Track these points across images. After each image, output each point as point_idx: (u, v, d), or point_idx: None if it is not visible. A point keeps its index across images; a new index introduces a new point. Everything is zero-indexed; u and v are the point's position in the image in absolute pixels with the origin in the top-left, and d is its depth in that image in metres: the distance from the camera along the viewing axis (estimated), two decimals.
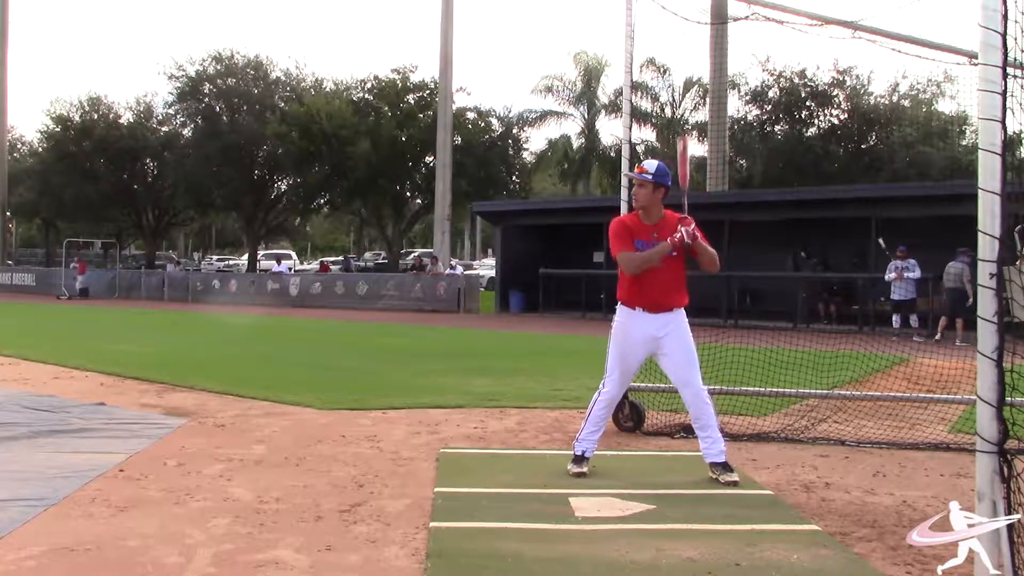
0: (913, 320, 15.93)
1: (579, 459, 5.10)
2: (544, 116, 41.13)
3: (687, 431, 6.33)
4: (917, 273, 15.85)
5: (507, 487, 4.85)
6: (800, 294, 19.21)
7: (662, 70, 37.15)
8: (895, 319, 16.11)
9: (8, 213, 46.21)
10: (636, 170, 5.08)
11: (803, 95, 30.40)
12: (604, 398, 5.14)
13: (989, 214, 2.90)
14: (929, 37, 6.40)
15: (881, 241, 16.29)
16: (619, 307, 5.10)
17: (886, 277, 16.08)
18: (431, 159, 34.55)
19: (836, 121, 30.94)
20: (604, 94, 40.72)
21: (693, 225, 4.87)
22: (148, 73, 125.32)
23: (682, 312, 5.03)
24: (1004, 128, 2.89)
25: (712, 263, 4.97)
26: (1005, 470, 2.91)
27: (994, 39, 2.89)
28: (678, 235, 4.83)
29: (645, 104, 36.97)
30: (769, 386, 7.10)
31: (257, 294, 28.46)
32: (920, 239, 17.35)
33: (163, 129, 42.99)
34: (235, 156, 38.21)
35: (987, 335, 2.92)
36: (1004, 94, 2.89)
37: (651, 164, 5.04)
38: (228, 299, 28.10)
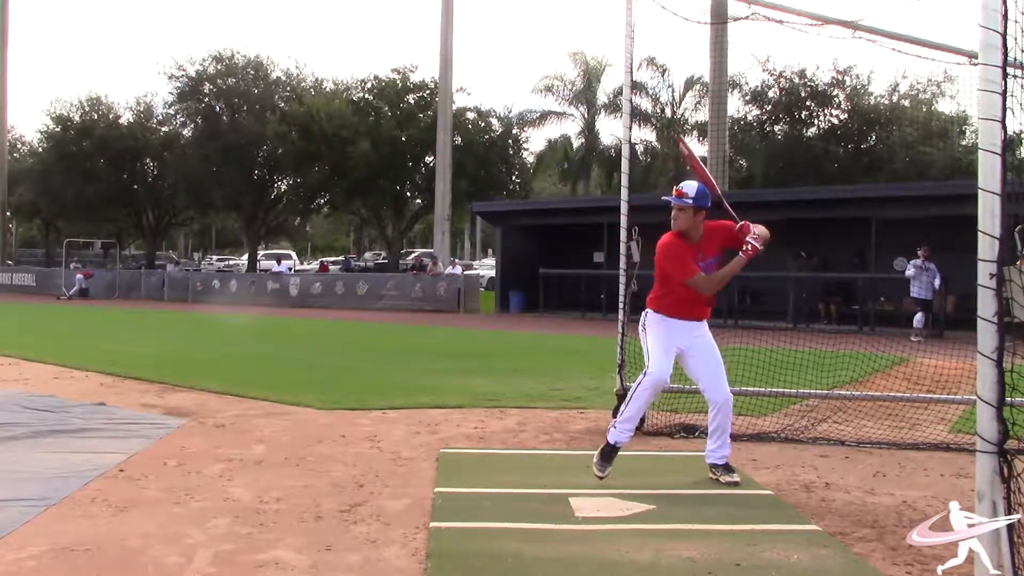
0: (919, 320, 15.71)
1: (608, 453, 4.87)
2: (544, 116, 41.14)
3: (687, 431, 6.36)
4: (937, 278, 15.65)
5: (507, 487, 4.84)
6: (800, 294, 19.21)
7: (662, 70, 37.13)
8: (919, 317, 15.76)
9: (8, 213, 46.22)
10: (675, 193, 4.81)
11: (803, 95, 30.43)
12: (648, 380, 4.85)
13: (989, 214, 2.90)
14: (929, 37, 6.39)
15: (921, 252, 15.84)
16: (650, 312, 5.01)
17: (906, 273, 15.81)
18: (431, 159, 34.54)
19: (836, 121, 30.96)
20: (604, 94, 40.76)
21: (751, 230, 4.71)
22: (148, 73, 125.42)
23: (706, 323, 5.04)
24: (1004, 128, 2.89)
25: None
26: (1005, 470, 2.91)
27: (994, 39, 2.88)
28: (749, 247, 4.69)
29: (645, 104, 36.97)
30: (769, 386, 7.09)
31: (257, 294, 28.44)
32: (919, 239, 17.33)
33: (163, 129, 42.98)
34: (235, 156, 38.20)
35: (987, 335, 2.92)
36: (1004, 94, 2.89)
37: (690, 187, 4.80)
38: (228, 299, 28.08)
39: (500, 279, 24.87)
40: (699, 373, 5.00)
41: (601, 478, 4.87)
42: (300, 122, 34.84)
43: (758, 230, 4.73)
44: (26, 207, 47.16)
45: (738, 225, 4.83)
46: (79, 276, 32.04)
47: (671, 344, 4.94)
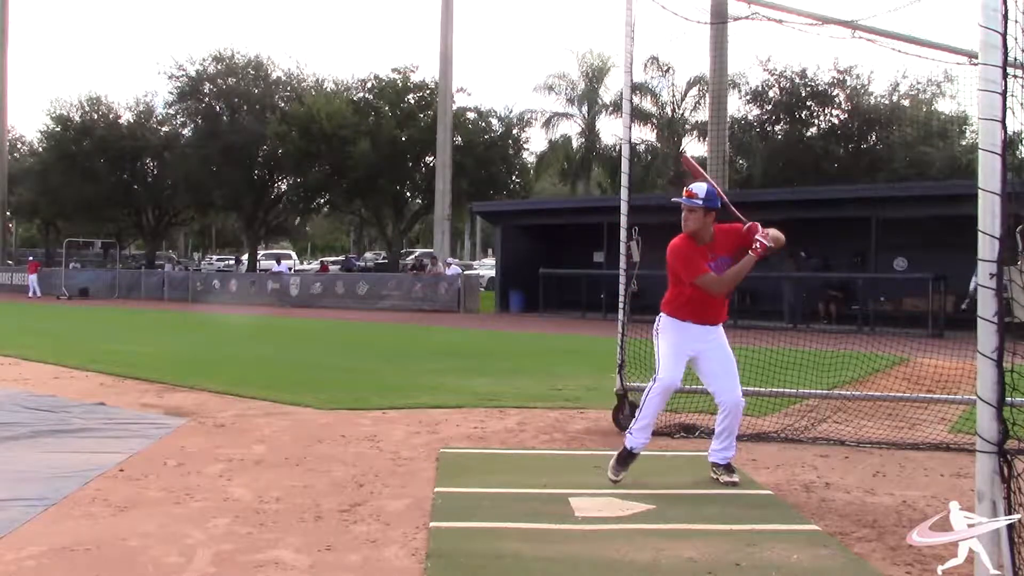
0: None
1: (624, 458, 4.91)
2: (545, 116, 41.18)
3: (687, 431, 6.35)
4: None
5: (507, 487, 4.84)
6: (800, 294, 19.19)
7: (664, 69, 37.11)
8: None
9: (8, 213, 46.22)
10: (685, 195, 4.85)
11: (803, 95, 30.43)
12: (658, 386, 4.90)
13: (989, 214, 2.90)
14: (929, 37, 6.40)
15: None
16: (664, 317, 5.01)
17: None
18: (431, 159, 34.55)
19: (836, 121, 30.97)
20: (607, 93, 40.76)
21: (760, 229, 4.73)
22: (148, 73, 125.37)
23: (721, 327, 5.01)
24: (1004, 128, 2.89)
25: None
26: (1005, 470, 2.90)
27: (994, 39, 2.88)
28: (758, 245, 4.69)
29: (646, 104, 36.95)
30: (769, 386, 7.09)
31: (257, 294, 28.45)
32: (919, 239, 17.34)
33: (163, 129, 42.99)
34: (235, 156, 38.19)
35: (987, 335, 2.91)
36: (1004, 94, 2.89)
37: (700, 188, 4.84)
38: (228, 299, 28.11)
39: (500, 279, 24.88)
40: (711, 376, 4.98)
41: (616, 481, 4.87)
42: (300, 122, 34.83)
43: (772, 232, 4.73)
44: (26, 207, 47.21)
45: (745, 226, 4.83)
46: (30, 276, 32.25)
47: (683, 349, 4.94)
